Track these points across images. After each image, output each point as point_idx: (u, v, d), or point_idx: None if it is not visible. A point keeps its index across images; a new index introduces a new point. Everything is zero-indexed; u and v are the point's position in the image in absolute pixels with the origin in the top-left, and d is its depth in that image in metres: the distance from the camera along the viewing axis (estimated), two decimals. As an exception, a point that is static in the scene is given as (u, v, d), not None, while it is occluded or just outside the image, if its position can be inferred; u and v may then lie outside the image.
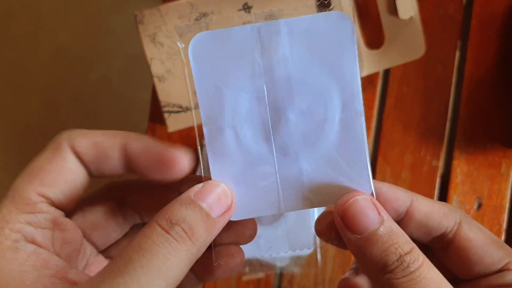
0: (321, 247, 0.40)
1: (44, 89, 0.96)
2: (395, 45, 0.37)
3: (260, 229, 0.23)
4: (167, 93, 0.36)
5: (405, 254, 0.18)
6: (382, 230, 0.18)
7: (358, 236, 0.18)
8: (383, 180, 0.40)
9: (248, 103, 0.20)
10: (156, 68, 0.35)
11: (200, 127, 0.21)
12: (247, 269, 0.39)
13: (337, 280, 0.39)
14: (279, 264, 0.38)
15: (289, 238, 0.23)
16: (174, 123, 0.36)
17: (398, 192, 0.20)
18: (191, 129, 0.37)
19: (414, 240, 0.19)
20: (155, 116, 0.39)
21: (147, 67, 0.36)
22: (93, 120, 0.95)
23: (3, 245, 0.19)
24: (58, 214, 0.20)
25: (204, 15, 0.35)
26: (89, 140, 0.21)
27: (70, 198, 0.21)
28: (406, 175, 0.40)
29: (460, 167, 0.40)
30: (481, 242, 0.20)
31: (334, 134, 0.20)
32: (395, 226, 0.19)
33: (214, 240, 0.20)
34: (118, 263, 0.17)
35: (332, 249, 0.40)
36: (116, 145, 0.20)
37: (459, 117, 0.40)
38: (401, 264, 0.18)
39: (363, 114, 0.20)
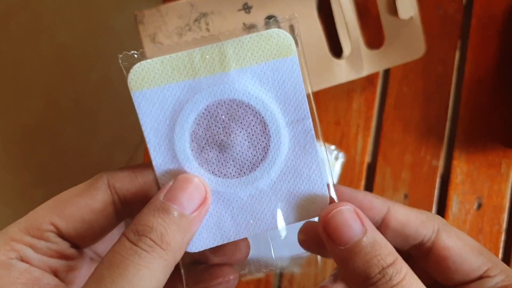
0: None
1: (45, 89, 0.96)
2: (395, 45, 0.37)
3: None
4: None
5: (388, 266, 0.18)
6: (365, 241, 0.18)
7: (341, 247, 0.18)
8: (383, 180, 0.40)
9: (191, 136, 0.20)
10: None
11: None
12: (247, 270, 0.39)
13: (337, 280, 0.39)
14: (279, 264, 0.38)
15: (288, 241, 0.22)
16: None
17: (374, 200, 0.20)
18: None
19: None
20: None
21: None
22: (93, 120, 0.95)
23: None
24: (65, 246, 0.21)
25: (204, 15, 0.35)
26: (131, 182, 0.21)
27: (83, 235, 0.21)
28: (406, 175, 0.40)
29: (460, 167, 0.40)
30: (459, 250, 0.20)
31: (287, 147, 0.20)
32: (379, 236, 0.19)
33: (206, 259, 0.20)
34: (91, 282, 0.18)
35: (332, 249, 0.40)
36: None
37: (459, 117, 0.40)
38: (383, 276, 0.17)
39: (309, 115, 0.20)
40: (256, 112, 0.20)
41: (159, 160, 0.20)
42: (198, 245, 0.20)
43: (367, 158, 0.40)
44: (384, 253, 0.18)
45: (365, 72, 0.37)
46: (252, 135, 0.20)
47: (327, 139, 0.39)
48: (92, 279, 0.18)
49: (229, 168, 0.20)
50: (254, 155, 0.20)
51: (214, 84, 0.19)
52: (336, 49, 0.38)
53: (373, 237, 0.18)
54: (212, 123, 0.20)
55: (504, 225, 0.39)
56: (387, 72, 0.40)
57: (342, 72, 0.36)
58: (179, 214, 0.19)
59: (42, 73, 0.96)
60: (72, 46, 0.96)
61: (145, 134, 0.20)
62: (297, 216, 0.20)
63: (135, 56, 0.20)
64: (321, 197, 0.20)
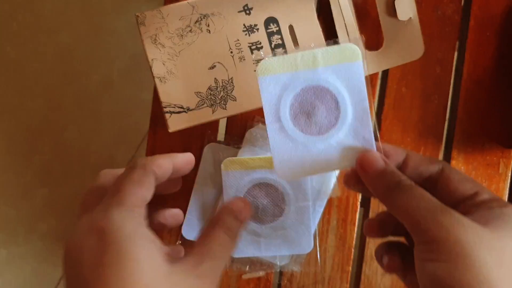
0: (320, 246, 0.40)
1: (46, 90, 0.97)
2: (394, 46, 0.37)
3: (260, 229, 0.33)
4: (168, 94, 0.36)
5: (403, 179, 0.26)
6: (387, 169, 0.27)
7: (372, 175, 0.28)
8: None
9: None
10: (157, 69, 0.36)
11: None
12: (247, 268, 0.39)
13: (336, 279, 0.40)
14: (279, 262, 0.38)
15: (289, 240, 0.35)
16: (175, 123, 0.36)
17: (397, 149, 0.29)
18: (191, 129, 0.37)
19: None
20: (157, 116, 0.40)
21: (149, 67, 0.36)
22: (95, 121, 0.95)
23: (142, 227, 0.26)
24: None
25: (205, 16, 0.36)
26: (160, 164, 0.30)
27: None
28: (405, 174, 0.40)
29: (458, 167, 0.40)
30: (458, 178, 0.27)
31: (351, 118, 0.31)
32: (395, 169, 0.28)
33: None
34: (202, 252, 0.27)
35: (331, 248, 0.40)
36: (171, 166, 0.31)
37: (458, 117, 0.40)
38: (399, 183, 0.26)
39: (367, 100, 0.30)
40: (332, 94, 0.30)
41: (269, 120, 0.30)
42: (287, 175, 0.30)
43: (366, 158, 0.41)
44: (399, 174, 0.27)
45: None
46: (329, 109, 0.31)
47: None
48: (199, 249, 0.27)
49: (312, 129, 0.30)
50: (329, 122, 0.31)
51: (307, 75, 0.30)
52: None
53: (392, 167, 0.28)
54: (304, 100, 0.30)
55: (502, 224, 0.40)
56: (385, 73, 0.41)
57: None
58: (237, 218, 0.30)
59: (45, 74, 0.97)
60: (74, 47, 0.96)
61: (263, 103, 0.30)
62: (353, 161, 0.29)
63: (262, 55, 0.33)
64: (371, 149, 0.30)
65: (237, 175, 0.35)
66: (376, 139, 0.30)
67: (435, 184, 0.28)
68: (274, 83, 0.30)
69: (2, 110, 0.97)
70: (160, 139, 0.40)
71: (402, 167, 0.29)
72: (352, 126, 0.31)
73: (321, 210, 0.39)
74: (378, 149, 0.29)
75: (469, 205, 0.26)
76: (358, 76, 0.30)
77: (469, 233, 0.24)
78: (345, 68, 0.30)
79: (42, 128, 0.96)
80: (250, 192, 0.36)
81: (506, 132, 0.40)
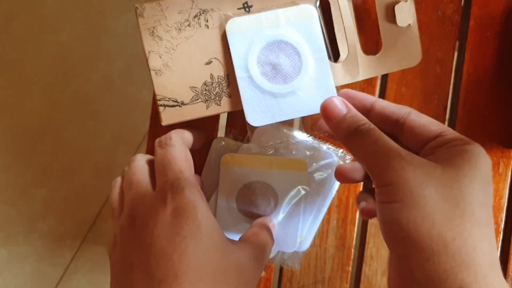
0: (320, 246, 0.40)
1: (46, 90, 0.97)
2: (392, 52, 0.37)
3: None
4: (163, 87, 0.36)
5: (362, 123, 0.27)
6: (347, 115, 0.28)
7: (333, 121, 0.29)
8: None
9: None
10: (154, 62, 0.36)
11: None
12: None
13: (336, 279, 0.40)
14: (278, 259, 0.38)
15: (277, 242, 0.37)
16: (168, 117, 0.36)
17: (366, 95, 0.30)
18: (185, 123, 0.37)
19: (378, 128, 0.27)
20: (157, 116, 0.40)
21: (149, 68, 0.36)
22: (94, 120, 0.95)
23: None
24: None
25: (204, 11, 0.36)
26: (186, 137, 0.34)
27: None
28: (404, 174, 0.40)
29: (458, 167, 0.40)
30: (422, 122, 0.28)
31: (312, 68, 0.35)
32: (357, 112, 0.28)
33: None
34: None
35: (331, 248, 0.40)
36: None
37: (457, 118, 0.40)
38: (357, 128, 0.27)
39: (325, 51, 0.35)
40: (294, 47, 0.35)
41: (239, 71, 0.34)
42: (256, 122, 0.35)
43: (366, 158, 0.41)
44: (360, 118, 0.28)
45: (361, 77, 0.37)
46: (292, 60, 0.35)
47: (328, 139, 0.40)
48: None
49: (278, 78, 0.35)
50: (293, 72, 0.35)
51: (271, 32, 0.35)
52: (333, 53, 0.38)
53: (354, 112, 0.28)
54: (269, 53, 0.34)
55: (502, 224, 0.40)
56: (385, 73, 0.41)
57: (338, 75, 0.36)
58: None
59: (44, 73, 0.97)
60: (74, 47, 0.96)
61: (233, 57, 0.34)
62: (316, 108, 0.32)
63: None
64: (332, 96, 0.31)
65: (245, 35, 0.35)
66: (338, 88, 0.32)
67: (401, 129, 0.28)
68: (242, 39, 0.34)
69: (2, 110, 0.97)
70: (160, 136, 0.40)
71: (369, 112, 0.30)
72: (314, 76, 0.35)
73: (324, 210, 0.39)
74: (342, 94, 0.31)
75: (432, 146, 0.27)
76: (316, 31, 0.35)
77: (417, 172, 0.24)
78: (304, 25, 0.35)
79: (42, 128, 0.96)
80: (244, 188, 0.37)
81: (506, 132, 0.40)
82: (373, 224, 0.41)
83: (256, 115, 0.34)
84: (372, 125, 0.27)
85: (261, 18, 0.35)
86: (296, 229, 0.38)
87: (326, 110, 0.29)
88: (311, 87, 0.35)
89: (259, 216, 0.36)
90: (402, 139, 0.29)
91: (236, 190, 0.37)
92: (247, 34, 0.35)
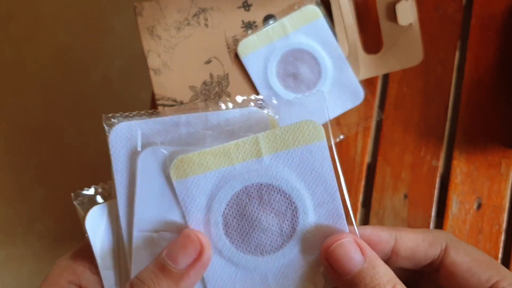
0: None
1: (45, 90, 0.96)
2: (393, 51, 0.37)
3: (254, 262, 0.23)
4: (162, 86, 0.36)
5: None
6: (365, 271, 0.19)
7: (344, 278, 0.20)
8: (383, 180, 0.40)
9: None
10: (153, 61, 0.36)
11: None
12: None
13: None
14: None
15: (292, 276, 0.23)
16: None
17: (381, 234, 0.21)
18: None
19: (405, 270, 0.20)
20: (155, 116, 0.40)
21: (147, 67, 0.36)
22: (93, 121, 0.95)
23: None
24: None
25: (204, 10, 0.36)
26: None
27: None
28: (406, 175, 0.40)
29: (460, 167, 0.40)
30: (467, 265, 0.21)
31: (331, 69, 0.32)
32: (378, 263, 0.20)
33: None
34: None
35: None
36: None
37: (459, 117, 0.40)
38: None
39: (338, 47, 0.31)
40: (309, 52, 0.31)
41: (261, 90, 0.29)
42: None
43: (367, 158, 0.40)
44: (383, 282, 0.19)
45: (362, 76, 0.37)
46: (310, 66, 0.32)
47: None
48: None
49: (301, 87, 0.32)
50: (314, 77, 0.32)
51: (282, 43, 0.30)
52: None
53: (373, 266, 0.19)
54: (286, 64, 0.28)
55: (504, 225, 0.39)
56: (387, 73, 0.40)
57: (342, 72, 0.36)
58: (171, 270, 0.21)
59: (42, 73, 0.96)
60: (72, 47, 0.96)
61: (253, 78, 0.29)
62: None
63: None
64: (342, 232, 0.22)
65: (258, 54, 0.28)
66: (349, 222, 0.22)
67: (436, 270, 0.22)
68: (256, 59, 0.33)
69: (0, 111, 0.96)
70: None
71: (391, 258, 0.22)
72: (335, 75, 0.33)
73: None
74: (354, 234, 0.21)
75: None
76: (324, 29, 0.34)
77: None
78: (312, 27, 0.34)
79: (41, 128, 0.96)
80: (233, 205, 0.22)
81: (508, 132, 0.40)
82: (374, 225, 0.40)
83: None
84: None
85: (268, 32, 0.35)
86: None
87: (332, 256, 0.20)
88: (335, 86, 0.34)
89: (272, 247, 0.22)
90: (438, 281, 0.22)
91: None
92: (260, 53, 0.34)
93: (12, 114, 0.96)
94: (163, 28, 0.35)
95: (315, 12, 0.35)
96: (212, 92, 0.36)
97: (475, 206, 0.40)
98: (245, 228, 0.22)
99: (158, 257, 0.22)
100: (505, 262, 0.40)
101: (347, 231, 0.21)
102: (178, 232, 0.22)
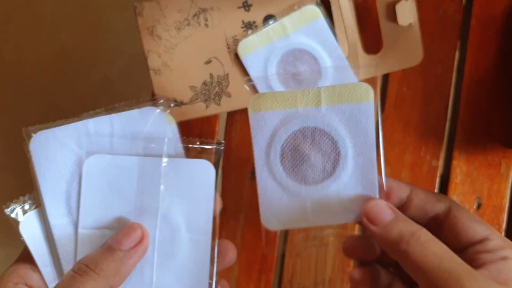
0: (320, 247, 0.40)
1: (45, 90, 0.96)
2: (393, 51, 0.37)
3: (306, 190, 0.28)
4: (162, 86, 0.36)
5: (417, 230, 0.24)
6: (397, 219, 0.25)
7: (380, 225, 0.25)
8: (383, 180, 0.40)
9: None
10: (153, 61, 0.36)
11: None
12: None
13: (337, 280, 0.39)
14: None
15: (346, 202, 0.27)
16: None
17: (400, 183, 0.27)
18: (190, 128, 0.37)
19: (414, 220, 0.25)
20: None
21: (148, 67, 0.36)
22: (93, 121, 0.95)
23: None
24: None
25: (204, 10, 0.36)
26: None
27: None
28: (406, 175, 0.40)
29: (459, 167, 0.40)
30: (466, 220, 0.25)
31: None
32: (405, 217, 0.25)
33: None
34: None
35: (332, 249, 0.40)
36: None
37: (459, 117, 0.40)
38: (413, 236, 0.23)
39: (338, 47, 0.30)
40: (309, 53, 0.30)
41: (261, 89, 0.29)
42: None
43: (367, 158, 0.40)
44: (412, 224, 0.24)
45: (362, 76, 0.37)
46: (310, 66, 0.31)
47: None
48: None
49: (301, 87, 0.27)
50: (313, 77, 0.30)
51: (282, 43, 0.29)
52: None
53: (402, 217, 0.25)
54: (286, 65, 0.29)
55: (504, 225, 0.40)
56: (387, 73, 0.40)
57: (342, 72, 0.36)
58: (116, 249, 0.27)
59: (42, 73, 0.96)
60: (72, 47, 0.96)
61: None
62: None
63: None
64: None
65: (272, 117, 0.27)
66: (379, 173, 0.26)
67: (441, 224, 0.26)
68: (256, 59, 0.29)
69: (0, 110, 0.96)
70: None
71: (406, 204, 0.27)
72: (335, 75, 0.30)
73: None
74: (381, 188, 0.26)
75: (478, 252, 0.24)
76: (324, 29, 0.30)
77: None
78: (312, 27, 0.30)
79: (41, 128, 0.96)
80: (290, 140, 0.27)
81: (507, 132, 0.40)
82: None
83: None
84: (429, 234, 0.24)
85: (268, 32, 0.35)
86: (373, 183, 0.27)
87: (370, 216, 0.25)
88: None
89: (314, 180, 0.26)
90: (440, 235, 0.25)
91: (278, 145, 0.27)
92: (260, 53, 0.34)
93: (12, 113, 0.96)
94: (163, 28, 0.35)
95: (315, 12, 0.35)
96: (212, 92, 0.36)
97: (475, 206, 0.40)
98: (296, 161, 0.26)
99: (105, 243, 0.28)
100: (505, 262, 0.40)
101: (377, 179, 0.26)
102: (118, 228, 0.28)
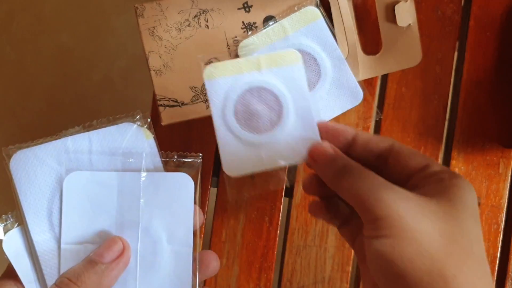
0: (320, 246, 0.40)
1: (47, 90, 0.97)
2: (392, 52, 0.37)
3: (258, 139, 0.32)
4: (163, 87, 0.36)
5: (350, 162, 0.27)
6: (335, 155, 0.28)
7: (321, 162, 0.28)
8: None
9: None
10: (154, 62, 0.36)
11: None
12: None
13: (336, 279, 0.40)
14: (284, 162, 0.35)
15: (293, 145, 0.32)
16: (168, 116, 0.36)
17: (346, 127, 0.29)
18: (190, 129, 0.37)
19: (363, 161, 0.28)
20: (156, 117, 0.40)
21: (149, 68, 0.36)
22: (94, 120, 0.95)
23: None
24: None
25: (204, 11, 0.36)
26: None
27: None
28: (404, 174, 0.40)
29: (458, 167, 0.40)
30: (407, 153, 0.27)
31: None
32: (343, 154, 0.28)
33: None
34: None
35: (331, 248, 0.40)
36: None
37: (457, 118, 0.40)
38: (345, 166, 0.27)
39: (338, 48, 0.34)
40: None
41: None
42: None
43: (366, 158, 0.41)
44: (346, 158, 0.28)
45: (361, 76, 0.37)
46: (310, 66, 0.35)
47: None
48: None
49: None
50: (313, 77, 0.35)
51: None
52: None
53: (340, 154, 0.28)
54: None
55: (502, 224, 0.40)
56: (386, 73, 0.41)
57: (341, 72, 0.36)
58: (98, 262, 0.28)
59: (44, 73, 0.97)
60: (74, 47, 0.96)
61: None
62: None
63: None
64: (318, 141, 0.31)
65: (224, 82, 0.32)
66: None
67: (386, 160, 0.28)
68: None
69: (2, 111, 0.97)
70: (160, 139, 0.40)
71: (351, 145, 0.29)
72: (334, 75, 0.34)
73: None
74: (324, 129, 0.30)
75: (419, 178, 0.26)
76: (324, 30, 0.34)
77: (411, 206, 0.23)
78: (311, 28, 0.34)
79: (42, 128, 0.96)
80: (240, 99, 0.33)
81: (506, 132, 0.40)
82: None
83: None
84: (361, 167, 0.27)
85: (268, 33, 0.35)
86: (313, 128, 0.32)
87: (314, 154, 0.29)
88: (334, 86, 0.35)
89: (265, 129, 0.32)
90: (386, 173, 0.28)
91: (231, 104, 0.32)
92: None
93: (14, 113, 0.97)
94: (164, 29, 0.36)
95: (315, 13, 0.35)
96: (213, 93, 0.36)
97: (473, 206, 0.40)
98: (248, 115, 0.31)
99: (87, 257, 0.29)
100: (503, 261, 0.40)
101: (316, 124, 0.30)
102: (100, 242, 0.30)
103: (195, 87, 0.36)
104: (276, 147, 0.32)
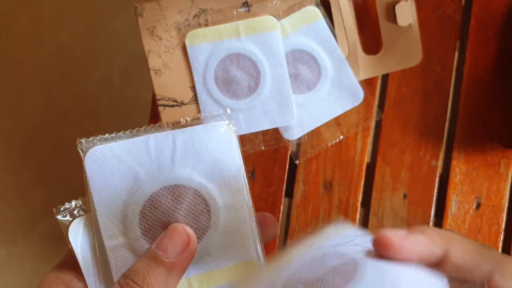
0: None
1: (46, 89, 0.96)
2: (393, 51, 0.37)
3: (237, 104, 0.33)
4: (163, 87, 0.36)
5: None
6: None
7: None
8: (383, 180, 0.40)
9: None
10: (153, 61, 0.36)
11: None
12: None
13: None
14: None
15: (269, 112, 0.34)
16: (168, 116, 0.36)
17: (429, 242, 0.21)
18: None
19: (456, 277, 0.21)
20: (156, 117, 0.40)
21: (148, 68, 0.36)
22: (94, 120, 0.95)
23: None
24: None
25: (204, 11, 0.36)
26: None
27: None
28: (405, 175, 0.40)
29: (459, 167, 0.40)
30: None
31: (331, 71, 0.35)
32: None
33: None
34: None
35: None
36: None
37: (458, 118, 0.40)
38: None
39: (338, 48, 0.34)
40: (309, 53, 0.34)
41: (199, 87, 0.32)
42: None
43: (367, 158, 0.40)
44: None
45: (361, 76, 0.37)
46: (310, 67, 0.34)
47: (327, 139, 0.40)
48: None
49: (301, 88, 0.33)
50: (314, 78, 0.35)
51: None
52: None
53: None
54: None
55: (503, 225, 0.40)
56: (386, 73, 0.40)
57: (341, 72, 0.36)
58: (162, 259, 0.24)
59: (43, 73, 0.96)
60: (73, 47, 0.96)
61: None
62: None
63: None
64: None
65: (205, 48, 0.33)
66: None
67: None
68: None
69: (1, 110, 0.96)
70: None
71: (441, 264, 0.21)
72: (334, 75, 0.35)
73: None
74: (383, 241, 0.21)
75: None
76: (324, 30, 0.35)
77: None
78: (312, 28, 0.35)
79: (41, 128, 0.96)
80: (220, 65, 0.33)
81: (506, 132, 0.40)
82: (373, 225, 0.41)
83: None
84: None
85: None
86: (288, 95, 0.33)
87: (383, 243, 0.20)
88: (334, 86, 0.35)
89: (243, 95, 0.32)
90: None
91: (212, 70, 0.33)
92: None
93: (12, 113, 0.97)
94: (163, 29, 0.36)
95: (315, 13, 0.35)
96: (213, 92, 0.36)
97: (474, 206, 0.40)
98: (227, 81, 0.33)
99: (148, 250, 0.25)
100: (504, 262, 0.40)
101: (290, 91, 0.33)
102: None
103: (194, 87, 0.36)
104: (253, 112, 0.33)
